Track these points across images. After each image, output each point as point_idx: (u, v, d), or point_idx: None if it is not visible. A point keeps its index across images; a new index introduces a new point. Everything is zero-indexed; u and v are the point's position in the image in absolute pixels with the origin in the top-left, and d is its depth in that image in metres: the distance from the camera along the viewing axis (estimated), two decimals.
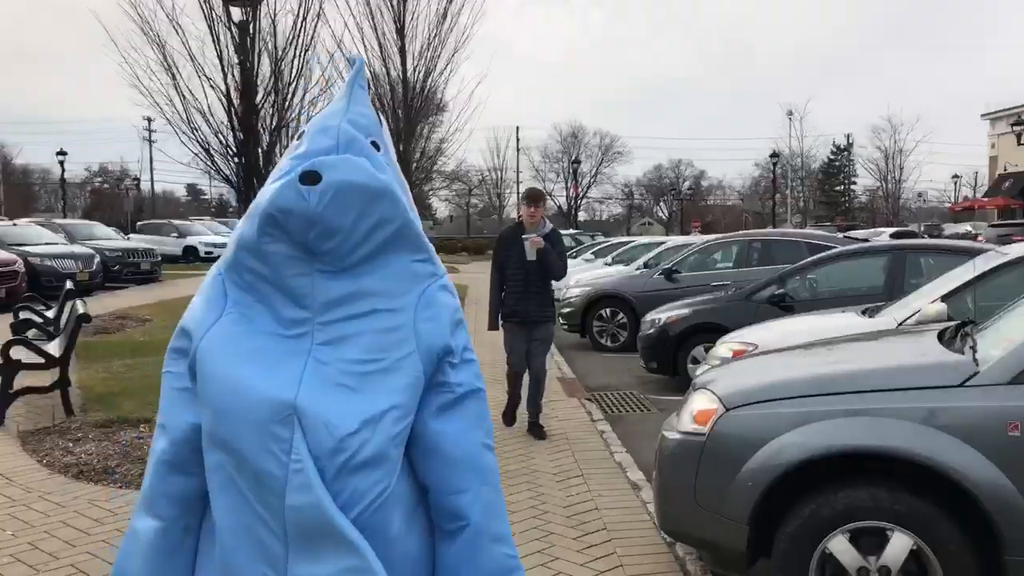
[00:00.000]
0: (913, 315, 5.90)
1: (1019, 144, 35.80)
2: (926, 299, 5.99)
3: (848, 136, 72.39)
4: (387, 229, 1.56)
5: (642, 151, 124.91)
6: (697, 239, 15.86)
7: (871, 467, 3.44)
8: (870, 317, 6.35)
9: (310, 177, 1.47)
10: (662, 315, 9.60)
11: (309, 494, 1.47)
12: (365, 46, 18.40)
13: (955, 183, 65.99)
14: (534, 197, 6.94)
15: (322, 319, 1.55)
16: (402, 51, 18.66)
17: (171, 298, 19.02)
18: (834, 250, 9.69)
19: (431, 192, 28.21)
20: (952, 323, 4.48)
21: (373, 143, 1.59)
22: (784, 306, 8.67)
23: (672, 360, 9.36)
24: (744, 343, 6.68)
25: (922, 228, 40.60)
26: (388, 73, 18.95)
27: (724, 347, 6.88)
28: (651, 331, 9.55)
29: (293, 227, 1.49)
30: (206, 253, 34.95)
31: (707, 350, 9.28)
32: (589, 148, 75.53)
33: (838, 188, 75.69)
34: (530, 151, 73.28)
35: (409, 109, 18.72)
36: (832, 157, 74.45)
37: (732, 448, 3.64)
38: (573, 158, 69.61)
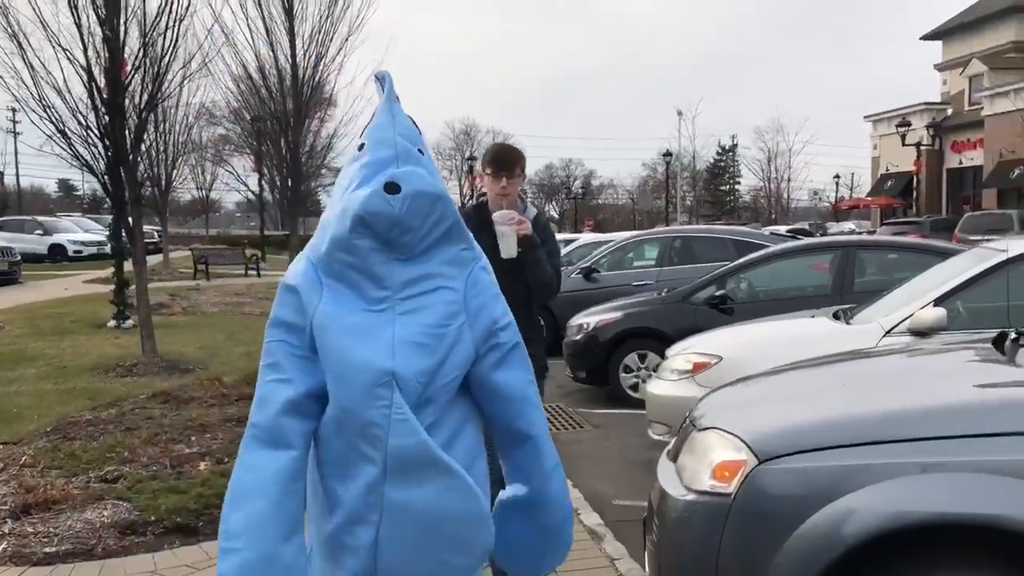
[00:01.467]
0: (903, 321, 5.12)
1: (903, 145, 36.77)
2: (915, 303, 5.20)
3: (733, 137, 74.06)
4: (444, 225, 2.05)
5: (534, 149, 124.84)
6: (615, 236, 15.07)
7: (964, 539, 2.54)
8: (847, 323, 5.54)
9: (391, 187, 1.96)
10: (591, 319, 8.67)
11: (416, 436, 1.99)
12: (250, 27, 16.87)
13: (836, 183, 67.87)
14: (507, 160, 3.71)
15: (400, 295, 2.04)
16: (291, 32, 17.15)
17: (31, 301, 17.07)
18: (777, 247, 8.95)
19: (320, 188, 26.45)
20: (996, 332, 3.63)
21: (418, 150, 2.06)
22: (724, 309, 7.89)
23: (603, 369, 8.46)
24: (704, 354, 5.76)
25: (812, 226, 41.45)
26: (276, 59, 17.45)
27: (680, 359, 5.93)
28: (578, 337, 8.62)
29: (379, 226, 1.98)
30: (75, 252, 32.29)
31: (641, 358, 8.48)
32: (482, 146, 74.86)
33: (723, 188, 77.22)
34: None
35: (299, 97, 17.25)
36: (717, 158, 75.94)
37: (772, 514, 2.67)
38: (467, 155, 68.52)
